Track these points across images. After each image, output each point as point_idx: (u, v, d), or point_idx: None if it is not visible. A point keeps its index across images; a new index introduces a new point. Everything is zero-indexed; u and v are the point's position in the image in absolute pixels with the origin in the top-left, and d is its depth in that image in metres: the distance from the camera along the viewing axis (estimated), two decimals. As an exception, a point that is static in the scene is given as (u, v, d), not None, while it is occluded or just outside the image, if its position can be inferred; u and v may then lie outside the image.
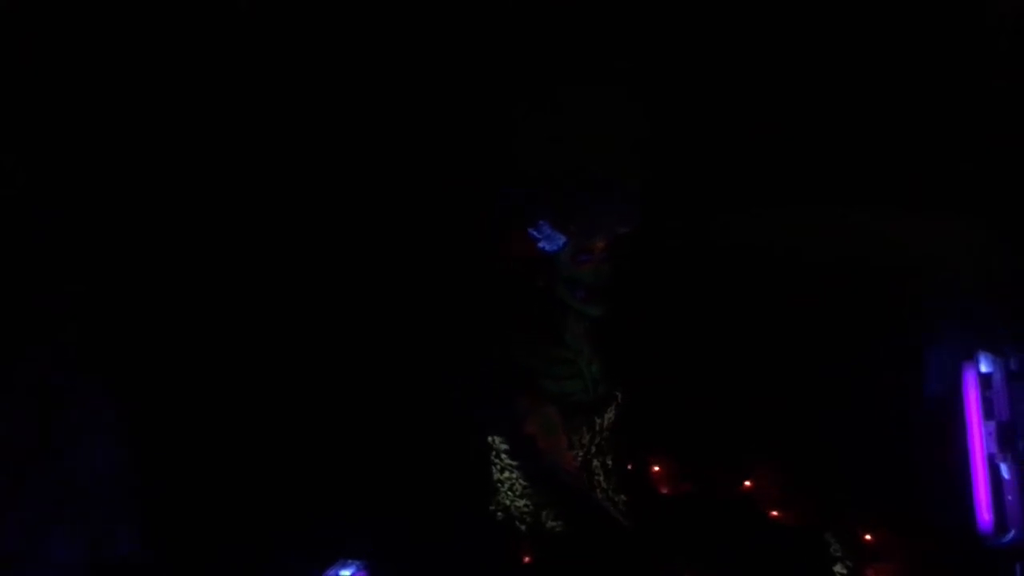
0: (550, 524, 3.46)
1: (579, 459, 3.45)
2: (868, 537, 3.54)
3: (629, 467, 3.57)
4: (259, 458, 3.56)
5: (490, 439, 3.54)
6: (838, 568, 3.51)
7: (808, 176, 4.13)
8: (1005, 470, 3.09)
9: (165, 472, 3.40)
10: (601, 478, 3.58)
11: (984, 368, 3.36)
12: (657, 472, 3.79)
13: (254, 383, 3.60)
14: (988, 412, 3.29)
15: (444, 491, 3.68)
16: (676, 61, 3.88)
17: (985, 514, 3.14)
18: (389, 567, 3.42)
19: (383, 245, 3.75)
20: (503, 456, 3.51)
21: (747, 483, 3.74)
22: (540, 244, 3.41)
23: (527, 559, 3.39)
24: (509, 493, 3.53)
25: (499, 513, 3.53)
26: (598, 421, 3.52)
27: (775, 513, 3.70)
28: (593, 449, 3.55)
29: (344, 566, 3.29)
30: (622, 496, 3.56)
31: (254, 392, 3.59)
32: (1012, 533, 3.08)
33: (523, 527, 3.51)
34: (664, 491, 3.74)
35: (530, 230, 3.41)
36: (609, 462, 3.59)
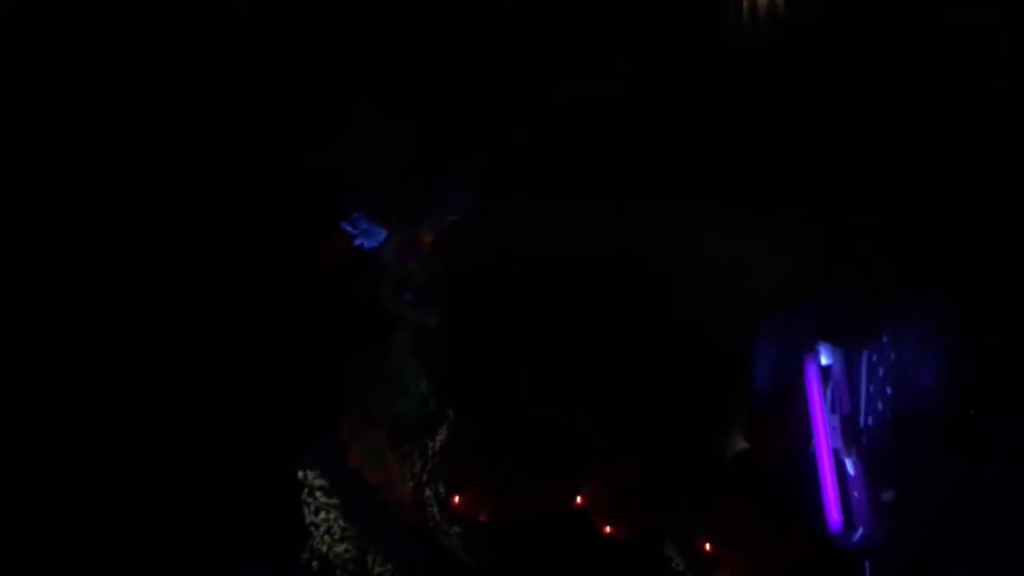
0: (378, 570, 2.91)
1: (411, 490, 2.93)
2: (708, 547, 3.34)
3: (456, 499, 3.09)
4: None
5: (301, 474, 2.93)
6: None
7: (631, 178, 4.14)
8: (850, 465, 2.99)
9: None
10: (435, 509, 3.09)
11: (824, 360, 3.27)
12: (478, 497, 3.35)
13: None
14: (831, 406, 3.19)
15: (242, 538, 3.04)
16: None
17: (835, 513, 3.02)
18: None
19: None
20: (318, 495, 2.92)
21: (578, 499, 3.42)
22: (357, 241, 2.86)
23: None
24: (326, 537, 2.95)
25: (314, 563, 2.93)
26: (430, 444, 3.02)
27: (609, 529, 3.41)
28: (425, 477, 3.05)
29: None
30: (456, 528, 3.08)
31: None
32: (860, 531, 2.98)
33: (345, 576, 2.94)
34: (489, 516, 3.30)
35: (343, 225, 2.84)
36: (442, 490, 3.10)
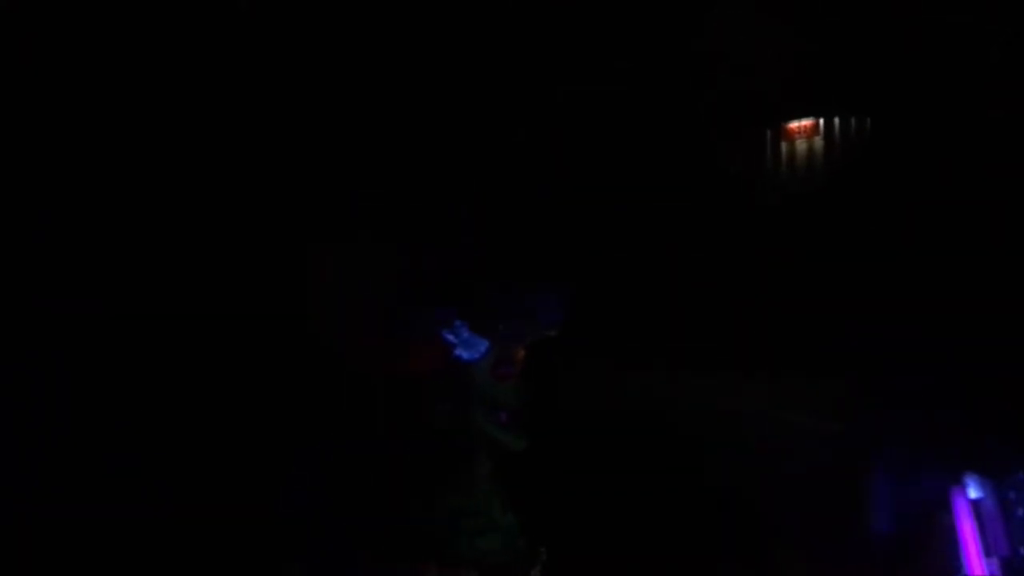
0: None
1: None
2: None
3: None
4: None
5: None
6: None
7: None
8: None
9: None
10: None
11: (974, 494, 2.84)
12: None
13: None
14: (986, 547, 2.74)
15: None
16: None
17: None
18: None
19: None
20: None
21: None
22: (456, 351, 2.53)
23: None
24: None
25: None
26: None
27: None
28: None
29: None
30: None
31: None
32: None
33: None
34: None
35: (444, 333, 2.52)
36: None
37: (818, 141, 7.36)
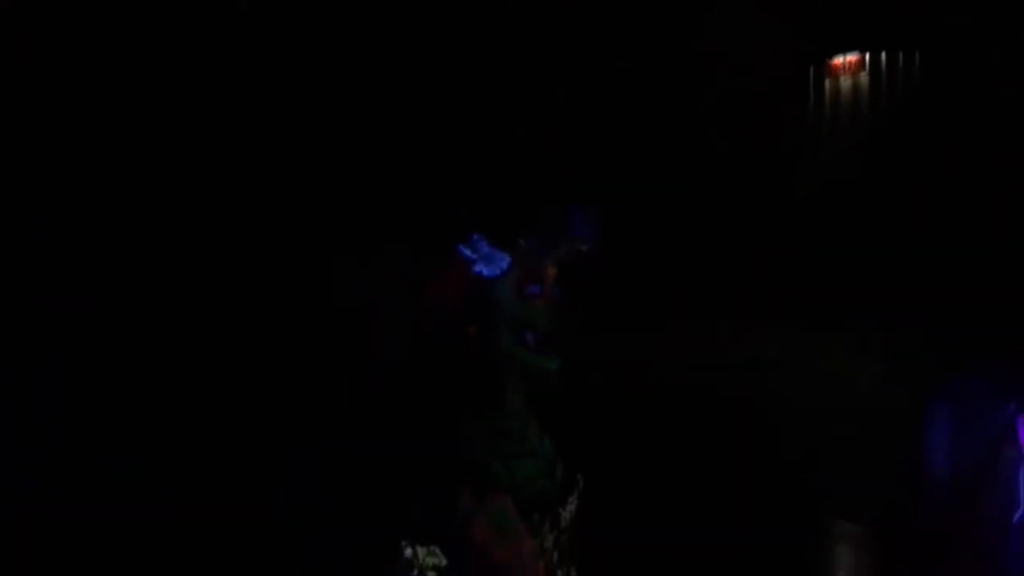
0: (505, 670, 2.35)
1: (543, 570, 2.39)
2: None
3: None
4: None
5: (409, 551, 2.42)
6: None
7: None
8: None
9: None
10: (568, 599, 2.53)
11: None
12: None
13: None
14: None
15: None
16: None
17: None
18: None
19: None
20: (430, 575, 2.39)
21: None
22: (476, 268, 2.42)
23: None
24: (441, 631, 2.39)
25: (426, 661, 2.39)
26: (563, 514, 2.49)
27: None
28: (556, 557, 2.50)
29: None
30: None
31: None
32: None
33: None
34: None
35: (461, 249, 2.42)
36: (574, 574, 2.54)
37: (863, 78, 7.08)
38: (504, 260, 2.37)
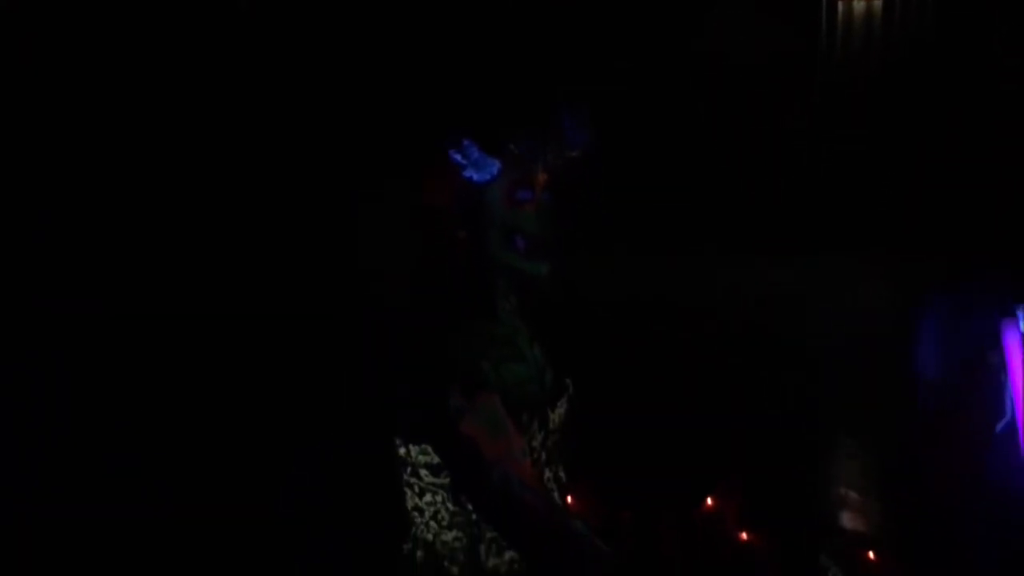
0: (492, 562, 2.45)
1: (531, 466, 2.46)
2: (872, 556, 2.78)
3: (569, 499, 2.62)
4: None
5: (403, 451, 2.49)
6: None
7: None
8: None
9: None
10: (555, 495, 2.61)
11: None
12: (593, 501, 2.87)
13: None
14: None
15: (336, 529, 2.62)
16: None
17: None
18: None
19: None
20: (423, 474, 2.47)
21: (709, 502, 2.90)
22: (466, 172, 2.45)
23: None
24: (432, 524, 2.49)
25: (418, 552, 2.48)
26: (551, 416, 2.56)
27: (745, 536, 2.88)
28: (544, 456, 2.58)
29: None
30: (578, 522, 2.60)
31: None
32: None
33: (455, 569, 2.47)
34: (605, 522, 2.82)
35: (452, 153, 2.43)
36: (562, 474, 2.62)
37: (877, 2, 6.95)
38: (494, 166, 2.39)
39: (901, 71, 6.44)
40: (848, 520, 3.35)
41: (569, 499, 2.87)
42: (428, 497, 2.69)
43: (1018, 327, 2.83)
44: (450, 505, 2.68)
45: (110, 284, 3.35)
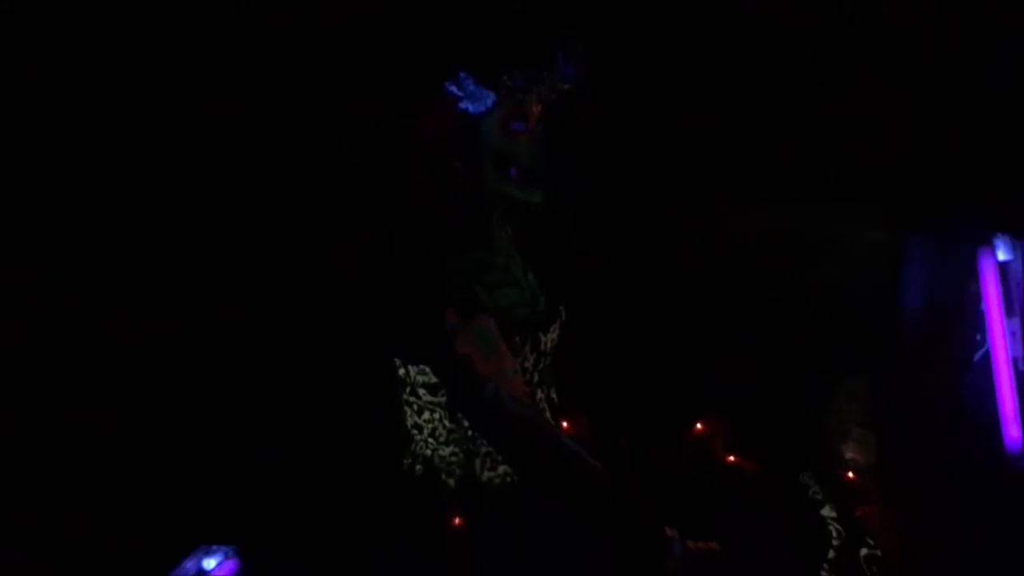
0: (487, 475, 2.59)
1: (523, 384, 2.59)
2: (851, 476, 2.91)
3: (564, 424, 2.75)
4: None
5: (403, 371, 2.62)
6: (825, 511, 2.85)
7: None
8: (1032, 376, 2.52)
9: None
10: (547, 415, 2.74)
11: (1002, 256, 2.79)
12: (584, 426, 3.00)
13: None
14: (1009, 308, 2.72)
15: (338, 446, 2.76)
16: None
17: (1014, 430, 2.56)
18: (271, 551, 2.47)
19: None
20: (421, 392, 2.60)
21: (699, 426, 3.03)
22: (462, 104, 2.53)
23: (457, 521, 2.49)
24: (430, 440, 2.63)
25: (417, 467, 2.62)
26: (544, 339, 2.68)
27: (732, 458, 3.01)
28: (536, 377, 2.70)
29: (208, 553, 2.29)
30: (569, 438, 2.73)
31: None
32: (1044, 448, 2.51)
33: (451, 482, 2.61)
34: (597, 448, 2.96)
35: (448, 85, 2.52)
36: (554, 396, 2.75)
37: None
38: (489, 98, 2.48)
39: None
40: (834, 445, 3.47)
41: (564, 425, 3.00)
42: (426, 415, 2.83)
43: (994, 255, 2.92)
44: (447, 422, 2.82)
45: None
